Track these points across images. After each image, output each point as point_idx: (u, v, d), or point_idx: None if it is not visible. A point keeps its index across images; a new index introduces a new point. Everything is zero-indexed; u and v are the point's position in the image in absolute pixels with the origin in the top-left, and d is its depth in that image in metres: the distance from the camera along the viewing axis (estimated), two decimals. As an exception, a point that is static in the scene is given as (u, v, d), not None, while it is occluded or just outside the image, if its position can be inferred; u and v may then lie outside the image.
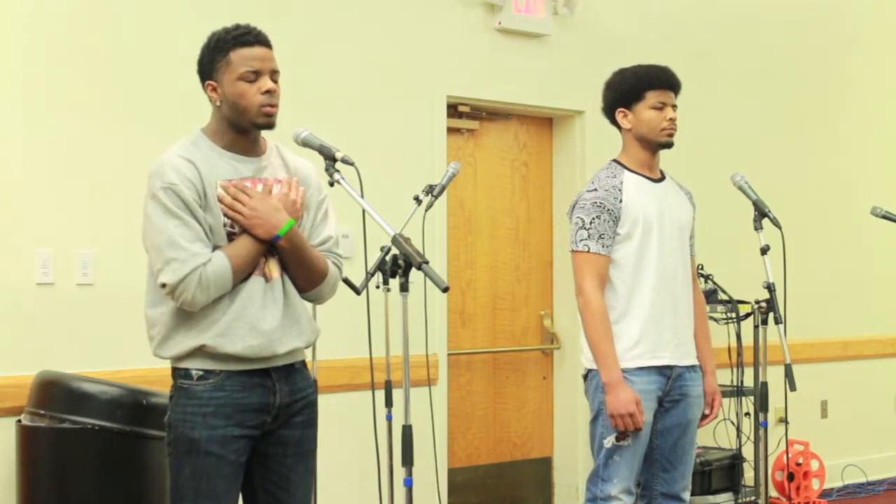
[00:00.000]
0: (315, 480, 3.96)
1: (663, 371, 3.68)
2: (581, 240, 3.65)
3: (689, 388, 3.74)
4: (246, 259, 2.88)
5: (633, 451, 3.64)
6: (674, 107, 3.73)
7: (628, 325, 3.66)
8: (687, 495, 3.79)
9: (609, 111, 3.80)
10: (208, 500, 2.88)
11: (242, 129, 2.96)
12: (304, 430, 3.04)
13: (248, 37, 2.95)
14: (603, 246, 3.64)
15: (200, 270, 2.80)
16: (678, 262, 3.74)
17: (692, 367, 3.77)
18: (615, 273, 3.68)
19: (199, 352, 2.89)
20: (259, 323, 2.91)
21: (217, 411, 2.88)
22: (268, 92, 2.92)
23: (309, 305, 3.10)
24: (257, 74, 2.93)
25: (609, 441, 3.63)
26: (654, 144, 3.73)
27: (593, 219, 3.65)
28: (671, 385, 3.70)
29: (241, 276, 2.88)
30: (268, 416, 2.96)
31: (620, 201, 3.66)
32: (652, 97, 3.69)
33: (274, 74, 2.96)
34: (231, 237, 2.89)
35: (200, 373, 2.90)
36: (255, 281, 2.92)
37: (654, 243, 3.68)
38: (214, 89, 2.96)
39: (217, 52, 2.95)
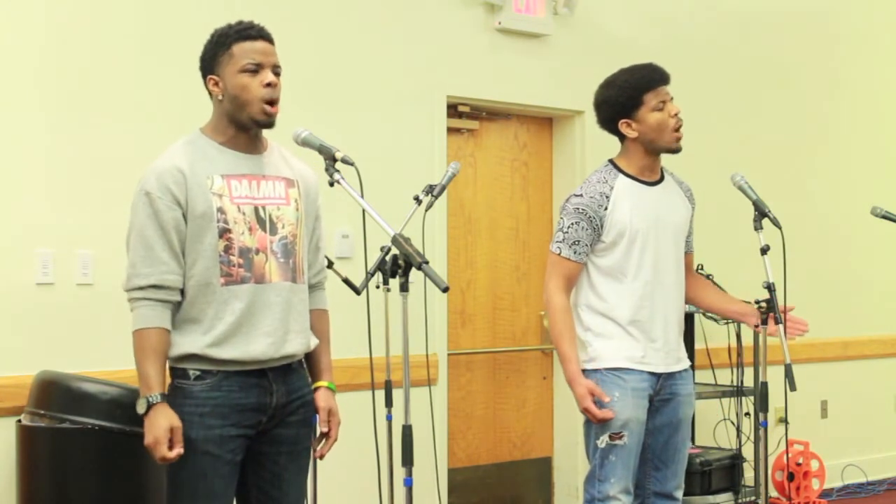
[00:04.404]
0: (315, 480, 3.98)
1: (652, 372, 3.68)
2: (556, 241, 3.68)
3: (679, 387, 3.74)
4: (136, 355, 2.89)
5: (629, 450, 3.63)
6: (672, 99, 3.71)
7: (616, 330, 3.66)
8: (680, 494, 3.78)
9: (609, 124, 3.73)
10: (205, 500, 2.89)
11: (243, 126, 2.97)
12: (298, 428, 3.05)
13: (250, 31, 2.97)
14: (574, 252, 3.65)
15: (136, 302, 2.89)
16: (671, 270, 3.72)
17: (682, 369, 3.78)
18: (603, 280, 3.68)
19: (196, 356, 2.90)
20: (257, 327, 2.92)
21: (214, 411, 2.88)
22: (269, 85, 2.93)
23: (307, 313, 3.10)
24: (259, 67, 2.93)
25: (603, 441, 3.62)
26: (663, 150, 3.70)
27: (572, 224, 3.65)
28: (661, 384, 3.70)
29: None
30: (264, 415, 2.96)
31: (606, 209, 3.64)
32: (651, 99, 3.66)
33: (276, 69, 2.97)
34: (223, 233, 2.90)
35: (198, 373, 2.91)
36: (256, 286, 2.93)
37: (643, 251, 3.65)
38: (216, 84, 2.97)
39: (219, 47, 2.96)
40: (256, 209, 2.95)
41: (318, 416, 3.10)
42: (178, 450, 2.82)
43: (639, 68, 3.71)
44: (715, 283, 5.79)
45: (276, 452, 3.01)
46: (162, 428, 2.80)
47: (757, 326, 3.88)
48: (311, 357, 3.13)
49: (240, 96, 2.93)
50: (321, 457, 3.11)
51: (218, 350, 2.89)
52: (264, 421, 2.97)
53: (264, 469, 3.01)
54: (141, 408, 2.84)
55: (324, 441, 3.10)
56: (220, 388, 2.90)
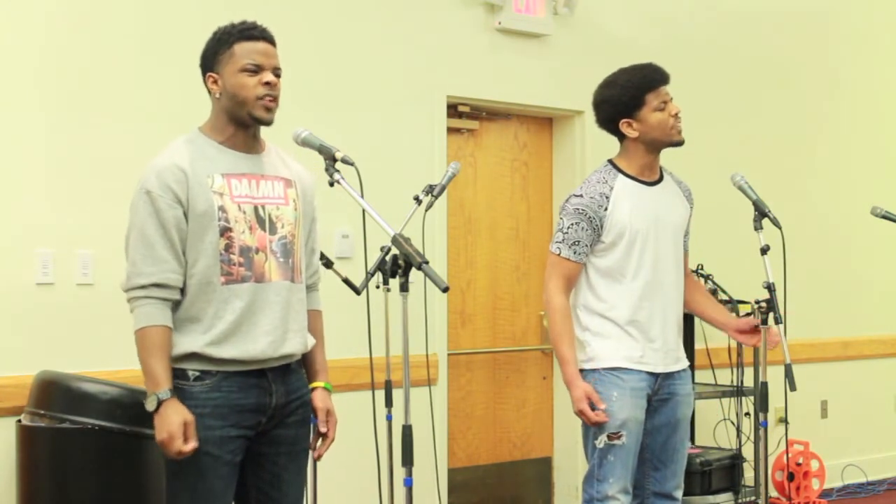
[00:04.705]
0: (315, 480, 3.97)
1: (650, 372, 3.68)
2: (556, 242, 3.68)
3: (678, 386, 3.74)
4: (140, 354, 2.87)
5: (628, 450, 3.62)
6: (672, 99, 3.71)
7: (614, 330, 3.66)
8: (679, 494, 3.78)
9: (609, 124, 3.73)
10: (205, 500, 2.89)
11: (241, 123, 2.97)
12: (297, 429, 3.05)
13: (252, 31, 2.97)
14: (574, 252, 3.65)
15: (138, 301, 2.86)
16: (670, 270, 3.72)
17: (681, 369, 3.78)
18: (601, 280, 3.68)
19: (195, 355, 2.90)
20: (257, 326, 2.92)
21: (213, 412, 2.89)
22: (268, 84, 2.93)
23: (305, 313, 3.10)
24: (259, 68, 2.94)
25: (601, 441, 3.62)
26: (666, 145, 3.71)
27: (572, 224, 3.65)
28: (660, 384, 3.70)
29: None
30: (263, 416, 2.97)
31: (605, 209, 3.64)
32: (653, 99, 3.66)
33: (276, 70, 2.98)
34: (224, 232, 2.90)
35: (197, 373, 2.90)
36: (256, 285, 2.93)
37: (643, 252, 3.65)
38: (216, 81, 2.97)
39: (221, 45, 2.97)
40: (256, 208, 2.95)
41: (315, 416, 3.10)
42: (193, 443, 2.81)
43: (640, 68, 3.71)
44: (715, 284, 5.81)
45: (276, 453, 3.01)
46: (175, 423, 2.79)
47: (756, 330, 3.87)
48: (307, 358, 3.13)
49: (238, 95, 2.93)
50: (318, 457, 3.11)
51: (217, 349, 2.89)
52: (264, 421, 2.97)
53: (264, 470, 3.01)
54: (151, 405, 2.82)
55: (321, 441, 3.10)
56: (219, 388, 2.90)
